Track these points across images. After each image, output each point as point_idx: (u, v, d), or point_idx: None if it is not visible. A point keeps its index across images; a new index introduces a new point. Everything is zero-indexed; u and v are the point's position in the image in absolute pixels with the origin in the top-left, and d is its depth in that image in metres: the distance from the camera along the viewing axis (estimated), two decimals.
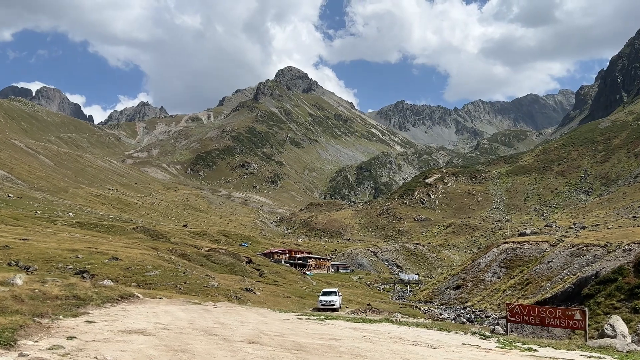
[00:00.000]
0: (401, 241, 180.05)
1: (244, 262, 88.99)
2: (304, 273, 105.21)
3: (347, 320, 27.32)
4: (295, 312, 32.48)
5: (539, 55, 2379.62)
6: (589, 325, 44.35)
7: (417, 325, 26.56)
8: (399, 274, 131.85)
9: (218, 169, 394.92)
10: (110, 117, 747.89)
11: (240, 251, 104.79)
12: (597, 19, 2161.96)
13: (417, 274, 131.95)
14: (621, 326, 26.23)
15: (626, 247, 50.96)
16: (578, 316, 25.10)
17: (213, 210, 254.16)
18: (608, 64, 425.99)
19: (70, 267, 45.56)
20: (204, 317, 23.59)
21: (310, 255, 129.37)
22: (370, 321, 27.76)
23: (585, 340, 25.84)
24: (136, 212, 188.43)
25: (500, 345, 20.22)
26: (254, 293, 47.97)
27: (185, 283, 46.05)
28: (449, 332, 24.36)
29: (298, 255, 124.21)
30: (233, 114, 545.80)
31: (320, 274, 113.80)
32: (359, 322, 26.57)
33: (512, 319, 27.58)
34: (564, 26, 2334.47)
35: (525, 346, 20.21)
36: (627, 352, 21.78)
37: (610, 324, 26.12)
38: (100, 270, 45.82)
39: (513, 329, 47.27)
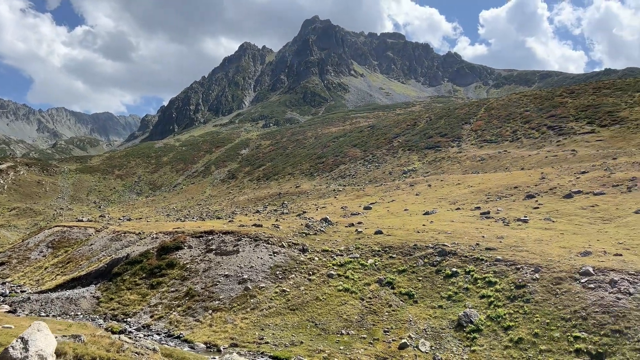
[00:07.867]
0: None
1: None
2: None
3: None
4: None
5: (116, 84, 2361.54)
6: (110, 299, 39.71)
7: None
8: None
9: None
10: None
11: None
12: (164, 67, 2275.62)
13: None
14: (42, 341, 10.52)
15: (155, 235, 48.87)
16: None
17: None
18: (168, 102, 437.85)
19: None
20: None
21: None
22: None
23: None
24: None
25: None
26: None
27: None
28: None
29: None
30: None
31: None
32: None
33: None
34: (137, 66, 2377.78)
35: None
36: None
37: (22, 338, 10.27)
38: None
39: (44, 304, 39.07)
